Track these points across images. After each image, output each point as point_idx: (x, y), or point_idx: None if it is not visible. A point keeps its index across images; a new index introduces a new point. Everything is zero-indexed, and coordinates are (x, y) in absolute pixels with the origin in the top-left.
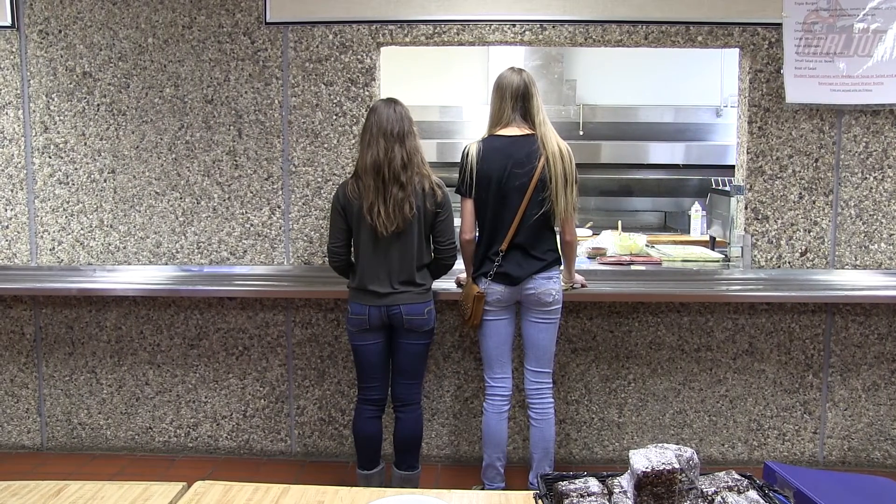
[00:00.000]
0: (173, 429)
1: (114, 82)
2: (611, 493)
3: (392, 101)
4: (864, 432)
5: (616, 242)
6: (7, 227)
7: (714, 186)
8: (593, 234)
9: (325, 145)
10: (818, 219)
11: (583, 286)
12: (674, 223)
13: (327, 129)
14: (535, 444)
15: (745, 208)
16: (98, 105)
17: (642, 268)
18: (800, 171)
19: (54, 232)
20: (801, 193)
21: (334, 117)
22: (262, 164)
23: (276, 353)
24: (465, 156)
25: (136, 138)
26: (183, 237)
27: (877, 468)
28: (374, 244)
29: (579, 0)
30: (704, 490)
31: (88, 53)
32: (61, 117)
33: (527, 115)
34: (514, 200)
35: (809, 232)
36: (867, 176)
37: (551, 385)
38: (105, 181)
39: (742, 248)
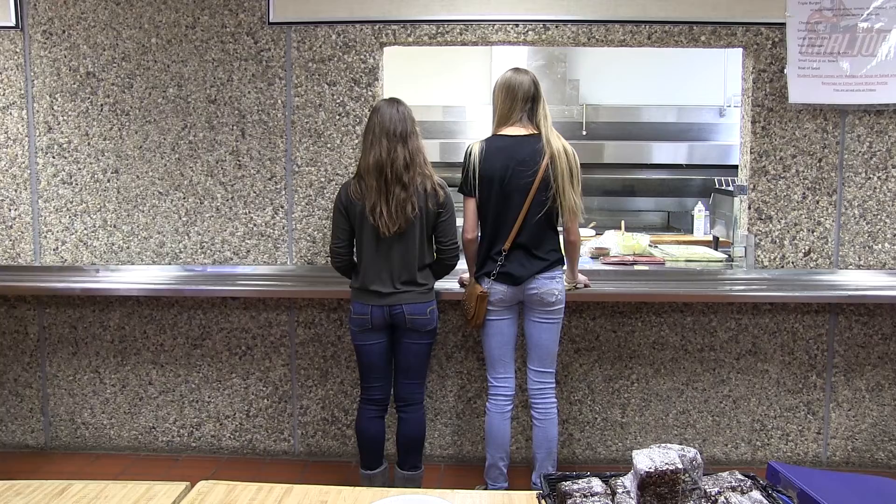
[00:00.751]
0: (177, 428)
1: (117, 82)
2: (614, 494)
3: (395, 101)
4: (868, 433)
5: (619, 242)
6: (11, 226)
7: (717, 186)
8: (596, 234)
9: (329, 145)
10: (822, 219)
11: (586, 286)
12: (677, 223)
13: (330, 129)
14: (538, 444)
15: (749, 208)
16: (101, 105)
17: (645, 268)
18: (803, 171)
19: (58, 232)
20: (804, 193)
21: (337, 117)
22: (266, 164)
23: (279, 352)
24: (468, 155)
25: (140, 138)
26: (186, 237)
27: (881, 469)
28: (376, 244)
29: (582, 0)
30: (708, 490)
31: (92, 54)
32: (65, 117)
33: (532, 116)
34: (516, 200)
35: (813, 232)
36: (871, 176)
37: (554, 385)
38: (108, 181)
39: (745, 248)
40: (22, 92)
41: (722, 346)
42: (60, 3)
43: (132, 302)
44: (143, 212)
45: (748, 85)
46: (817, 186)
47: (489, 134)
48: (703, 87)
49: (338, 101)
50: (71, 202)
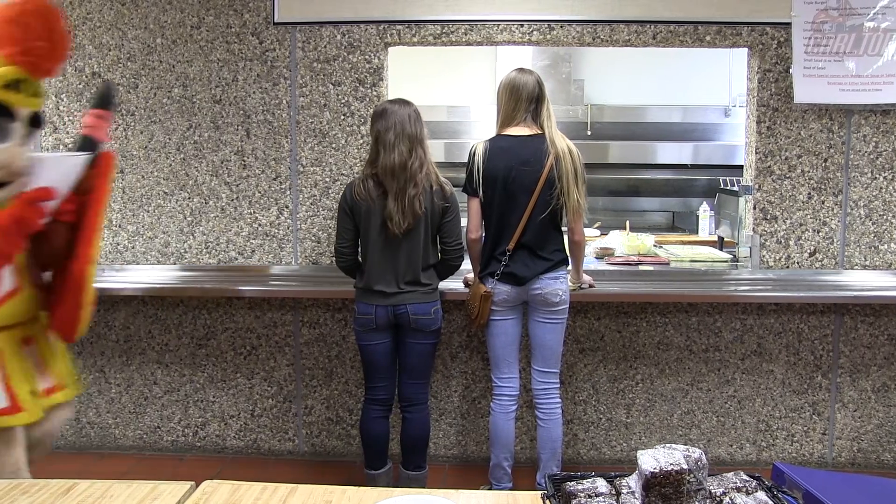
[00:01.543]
0: (181, 428)
1: (122, 82)
2: (619, 494)
3: (405, 102)
4: (873, 433)
5: (624, 242)
6: None
7: (722, 186)
8: (601, 235)
9: (333, 145)
10: (827, 219)
11: (591, 286)
12: (682, 223)
13: (335, 129)
14: (543, 445)
15: (754, 208)
16: None
17: (650, 268)
18: (809, 171)
19: None
20: (809, 193)
21: (342, 117)
22: (270, 164)
23: (283, 352)
24: (471, 155)
25: (145, 138)
26: (191, 237)
27: (886, 470)
28: (381, 244)
29: (587, 0)
30: (713, 491)
31: (97, 54)
32: (70, 117)
33: (537, 117)
34: (521, 200)
35: (818, 232)
36: (877, 176)
37: (558, 385)
38: (114, 181)
39: (750, 248)
40: None
41: (727, 346)
42: (66, 4)
43: (137, 302)
44: (148, 212)
45: (753, 85)
46: (823, 186)
47: (493, 134)
48: (708, 87)
49: (343, 101)
50: None
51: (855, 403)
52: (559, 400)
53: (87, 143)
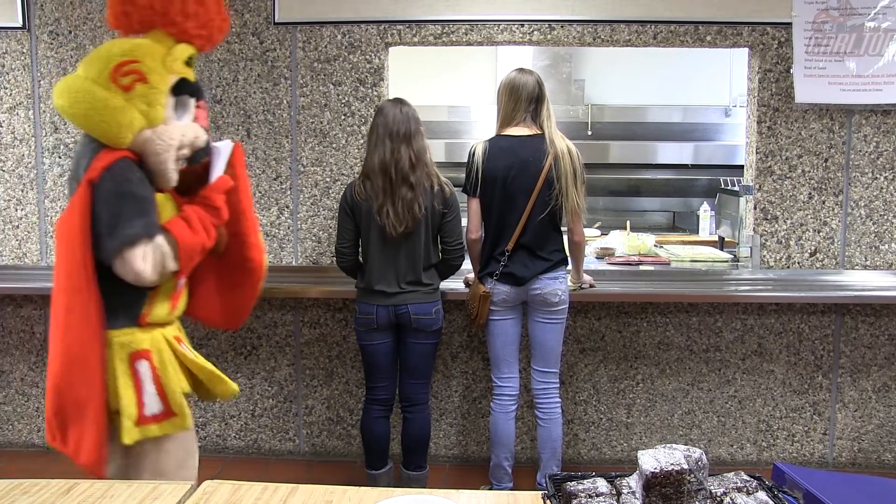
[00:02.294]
0: None
1: None
2: (619, 494)
3: (399, 102)
4: (874, 434)
5: (624, 242)
6: (17, 226)
7: (723, 186)
8: (602, 235)
9: (334, 145)
10: (828, 219)
11: (591, 286)
12: (682, 223)
13: (336, 129)
14: (543, 444)
15: (754, 208)
16: None
17: (651, 268)
18: (809, 171)
19: None
20: (810, 193)
21: (343, 117)
22: (271, 164)
23: (284, 352)
24: (471, 155)
25: None
26: None
27: (887, 470)
28: (381, 244)
29: (587, 0)
30: (713, 491)
31: None
32: None
33: (536, 117)
34: (520, 200)
35: (819, 232)
36: (877, 176)
37: (558, 385)
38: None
39: (751, 248)
40: (28, 92)
41: (727, 346)
42: (67, 4)
43: None
44: None
45: (754, 85)
46: (823, 186)
47: (493, 134)
48: (708, 87)
49: (343, 101)
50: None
51: (855, 403)
52: (559, 400)
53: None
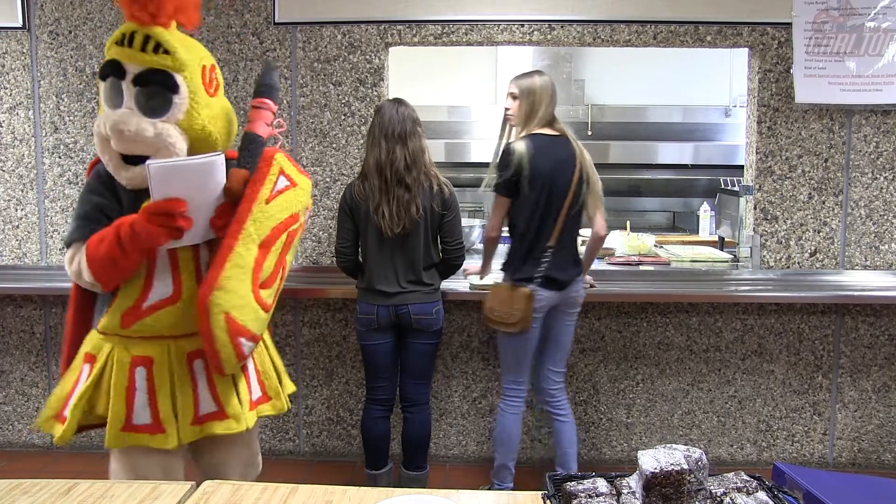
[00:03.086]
0: None
1: None
2: (619, 494)
3: (397, 102)
4: (874, 434)
5: (625, 242)
6: (17, 226)
7: (723, 186)
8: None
9: (334, 145)
10: (828, 219)
11: (592, 286)
12: (682, 223)
13: (336, 130)
14: (570, 441)
15: (755, 208)
16: None
17: (651, 268)
18: (809, 172)
19: (64, 232)
20: (810, 194)
21: (343, 117)
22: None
23: (284, 352)
24: (510, 153)
25: None
26: None
27: (887, 470)
28: (381, 244)
29: (587, 0)
30: (713, 491)
31: (98, 54)
32: (71, 118)
33: (553, 118)
34: (557, 201)
35: (819, 232)
36: (877, 176)
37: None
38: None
39: (751, 248)
40: (28, 92)
41: (727, 346)
42: (67, 4)
43: None
44: None
45: (754, 85)
46: (823, 187)
47: (522, 133)
48: (708, 87)
49: (343, 101)
50: (77, 202)
51: (855, 403)
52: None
53: (246, 141)
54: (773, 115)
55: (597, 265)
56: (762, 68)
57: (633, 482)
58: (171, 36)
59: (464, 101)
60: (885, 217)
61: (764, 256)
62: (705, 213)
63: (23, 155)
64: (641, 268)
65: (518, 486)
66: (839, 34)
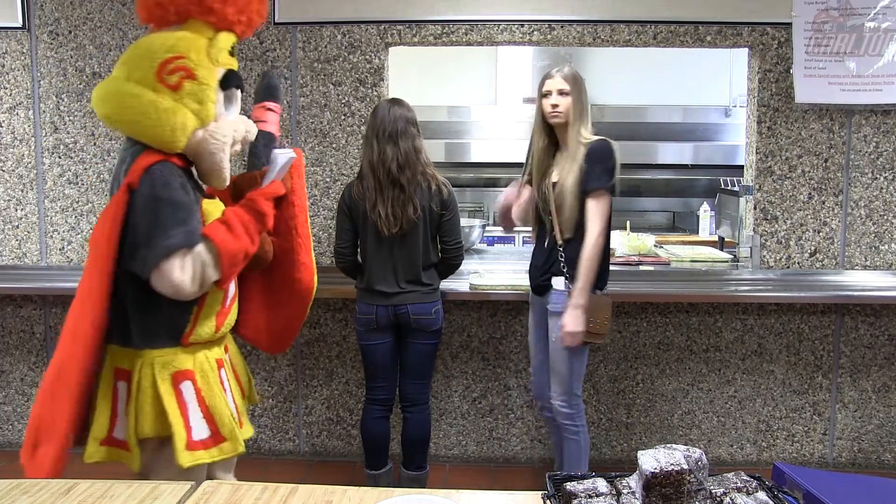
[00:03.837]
0: None
1: None
2: (619, 494)
3: (393, 102)
4: (874, 434)
5: (624, 242)
6: (17, 226)
7: (723, 187)
8: None
9: (334, 145)
10: (828, 219)
11: None
12: (682, 223)
13: (335, 130)
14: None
15: (754, 208)
16: None
17: (651, 268)
18: (809, 172)
19: (64, 232)
20: (810, 194)
21: (343, 117)
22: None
23: (284, 352)
24: (613, 151)
25: None
26: None
27: (887, 470)
28: (379, 244)
29: (587, 0)
30: (713, 491)
31: (98, 54)
32: (71, 118)
33: None
34: None
35: (819, 232)
36: (877, 176)
37: None
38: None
39: (751, 248)
40: (28, 92)
41: (727, 346)
42: (67, 4)
43: None
44: None
45: (754, 85)
46: (823, 187)
47: (594, 130)
48: (708, 88)
49: (343, 101)
50: (77, 202)
51: (855, 404)
52: None
53: (268, 140)
54: (773, 115)
55: None
56: (762, 68)
57: (633, 482)
58: None
59: (464, 101)
60: (885, 217)
61: (764, 256)
62: (705, 213)
63: (23, 155)
64: (641, 268)
65: (520, 486)
66: (839, 34)
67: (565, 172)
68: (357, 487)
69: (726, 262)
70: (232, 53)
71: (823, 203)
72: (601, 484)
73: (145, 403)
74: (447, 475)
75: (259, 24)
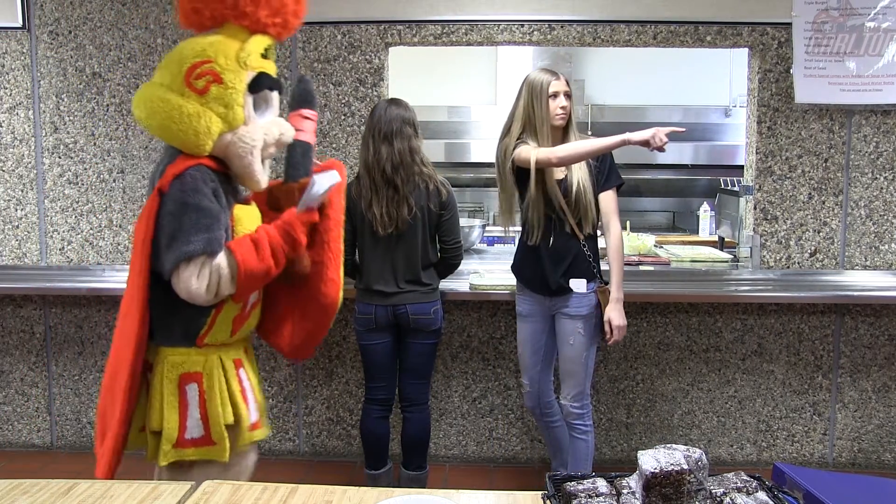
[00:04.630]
0: None
1: (123, 83)
2: (619, 494)
3: (391, 102)
4: (874, 434)
5: (625, 243)
6: (17, 226)
7: (723, 187)
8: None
9: (334, 145)
10: (828, 219)
11: None
12: (682, 223)
13: (336, 130)
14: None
15: (754, 209)
16: (107, 105)
17: (651, 268)
18: (809, 172)
19: (64, 232)
20: (810, 194)
21: (343, 117)
22: (271, 163)
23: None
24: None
25: (145, 138)
26: None
27: (887, 470)
28: (375, 244)
29: (587, 0)
30: (713, 491)
31: (98, 54)
32: (71, 118)
33: None
34: None
35: (819, 232)
36: (877, 176)
37: None
38: (114, 181)
39: (751, 248)
40: (28, 92)
41: (727, 346)
42: (67, 4)
43: None
44: None
45: (754, 85)
46: (823, 187)
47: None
48: (708, 88)
49: (343, 101)
50: (77, 202)
51: (855, 404)
52: None
53: (304, 149)
54: (773, 115)
55: None
56: (762, 68)
57: (633, 482)
58: None
59: (464, 101)
60: (885, 217)
61: (764, 256)
62: (705, 213)
63: (23, 155)
64: (641, 268)
65: (520, 486)
66: (839, 34)
67: (574, 171)
68: (357, 487)
69: (726, 262)
70: (267, 56)
71: (823, 203)
72: (601, 484)
73: (154, 399)
74: (447, 475)
75: (296, 26)
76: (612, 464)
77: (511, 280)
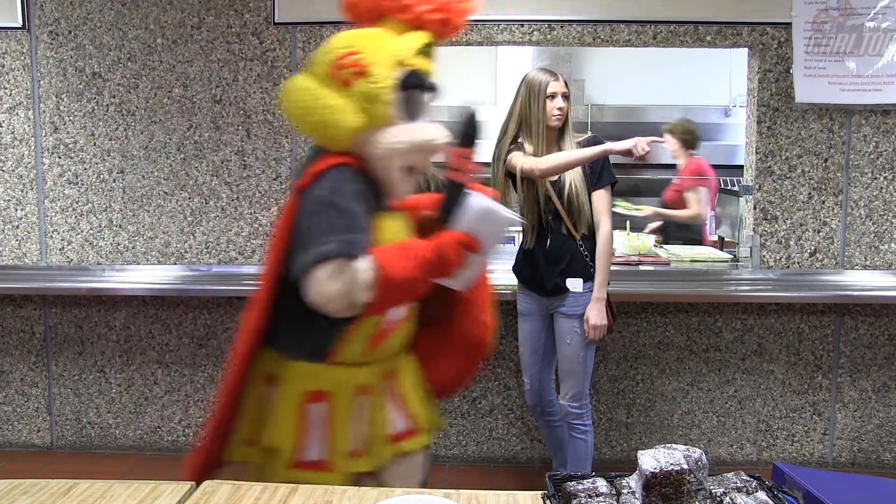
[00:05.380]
0: (182, 428)
1: (123, 83)
2: (619, 494)
3: None
4: (874, 433)
5: (624, 242)
6: (17, 227)
7: (723, 186)
8: None
9: None
10: (827, 219)
11: None
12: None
13: None
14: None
15: (754, 208)
16: (107, 105)
17: (651, 268)
18: (809, 172)
19: (64, 232)
20: (810, 193)
21: None
22: (271, 164)
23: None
24: None
25: (145, 138)
26: (191, 237)
27: (887, 470)
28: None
29: (587, 0)
30: (713, 491)
31: (98, 54)
32: (71, 118)
33: None
34: None
35: (819, 232)
36: (877, 176)
37: None
38: (114, 181)
39: (751, 248)
40: (28, 92)
41: (727, 346)
42: (67, 4)
43: (137, 302)
44: (148, 212)
45: (754, 85)
46: (823, 186)
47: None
48: (708, 88)
49: None
50: (77, 202)
51: (855, 403)
52: None
53: (459, 190)
54: (773, 115)
55: None
56: (762, 68)
57: (633, 482)
58: None
59: (464, 101)
60: (885, 217)
61: (764, 256)
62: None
63: (23, 155)
64: (641, 268)
65: (520, 486)
66: (839, 34)
67: (567, 173)
68: (357, 487)
69: (726, 262)
70: (427, 54)
71: (823, 203)
72: (601, 484)
73: (273, 414)
74: (447, 475)
75: (460, 25)
76: (612, 463)
77: (511, 280)
